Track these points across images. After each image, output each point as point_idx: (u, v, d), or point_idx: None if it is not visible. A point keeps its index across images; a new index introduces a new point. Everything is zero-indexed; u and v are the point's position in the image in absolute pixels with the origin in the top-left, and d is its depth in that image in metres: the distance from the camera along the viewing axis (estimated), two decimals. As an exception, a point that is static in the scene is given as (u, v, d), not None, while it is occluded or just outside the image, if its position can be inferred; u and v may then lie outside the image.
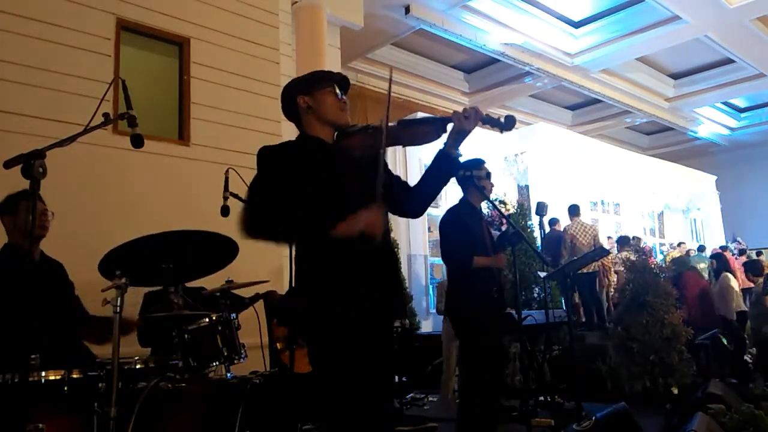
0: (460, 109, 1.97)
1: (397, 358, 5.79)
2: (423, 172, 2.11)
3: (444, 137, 2.01)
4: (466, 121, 1.92)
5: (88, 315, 2.99)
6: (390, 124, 1.91)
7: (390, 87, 1.98)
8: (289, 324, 2.00)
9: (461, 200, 3.75)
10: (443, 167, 2.02)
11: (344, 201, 1.84)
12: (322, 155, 1.93)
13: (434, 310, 8.34)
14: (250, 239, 1.86)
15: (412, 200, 2.10)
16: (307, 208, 1.83)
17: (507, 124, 1.96)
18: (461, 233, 3.56)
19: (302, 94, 1.99)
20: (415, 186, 2.09)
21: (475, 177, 3.56)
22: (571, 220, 7.89)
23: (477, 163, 3.64)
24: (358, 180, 1.88)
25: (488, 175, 3.70)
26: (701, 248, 12.30)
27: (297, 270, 1.94)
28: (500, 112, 12.87)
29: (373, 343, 1.85)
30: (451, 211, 3.78)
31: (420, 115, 9.65)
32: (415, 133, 1.99)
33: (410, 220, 9.08)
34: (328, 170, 1.89)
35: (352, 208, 1.80)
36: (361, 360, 1.80)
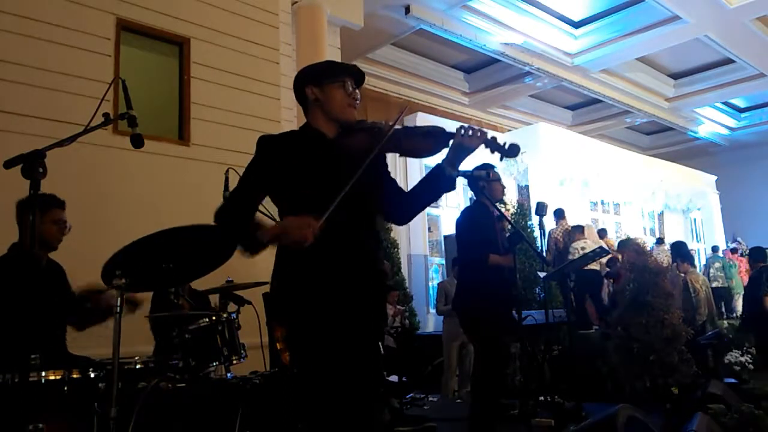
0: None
1: (397, 358, 5.80)
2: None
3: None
4: (468, 139, 1.87)
5: (75, 298, 2.97)
6: (396, 127, 1.88)
7: (399, 116, 1.93)
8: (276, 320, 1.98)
9: (475, 201, 3.95)
10: (435, 184, 1.98)
11: (313, 200, 1.80)
12: (316, 149, 1.90)
13: (434, 311, 8.34)
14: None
15: (400, 208, 2.07)
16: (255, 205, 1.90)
17: (510, 152, 1.91)
18: (476, 232, 3.70)
19: (312, 85, 1.96)
20: (405, 194, 2.05)
21: (479, 179, 3.62)
22: (557, 223, 7.92)
23: (480, 167, 3.74)
24: (342, 179, 1.78)
25: (488, 176, 3.73)
26: (715, 248, 12.31)
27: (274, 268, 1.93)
28: (500, 112, 12.94)
29: (343, 346, 1.79)
30: (465, 212, 4.00)
31: (420, 116, 9.69)
32: (416, 145, 1.94)
33: (410, 219, 9.11)
34: (316, 166, 1.86)
35: (316, 208, 1.77)
36: (329, 361, 1.77)
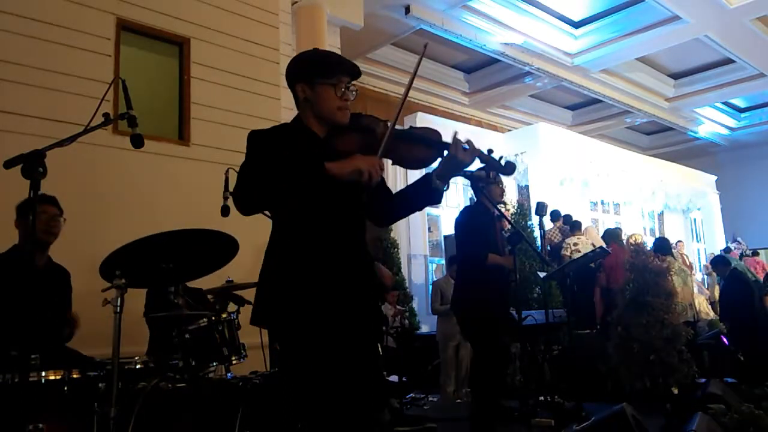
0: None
1: (397, 358, 5.79)
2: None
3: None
4: (463, 152, 1.79)
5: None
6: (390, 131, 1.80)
7: (408, 88, 1.83)
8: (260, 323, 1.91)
9: (475, 202, 3.98)
10: (420, 194, 1.91)
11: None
12: (308, 148, 1.84)
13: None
14: (249, 213, 1.73)
15: (382, 212, 2.02)
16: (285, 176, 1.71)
17: (506, 169, 1.88)
18: (475, 232, 3.72)
19: (303, 83, 1.87)
20: (390, 198, 1.99)
21: (479, 180, 3.62)
22: (572, 233, 7.95)
23: (481, 168, 3.73)
24: (341, 187, 1.74)
25: (488, 176, 3.73)
26: (726, 250, 12.25)
27: (264, 263, 1.86)
28: (500, 112, 12.93)
29: (338, 347, 1.77)
30: (464, 212, 4.08)
31: (420, 116, 9.69)
32: (410, 152, 1.87)
33: (410, 219, 9.10)
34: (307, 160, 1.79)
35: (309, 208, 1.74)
36: (324, 363, 1.75)
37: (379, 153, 1.75)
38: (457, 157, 1.80)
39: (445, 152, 1.84)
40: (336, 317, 1.78)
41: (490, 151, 1.88)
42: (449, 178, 1.87)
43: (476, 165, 1.91)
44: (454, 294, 4.01)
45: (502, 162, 1.89)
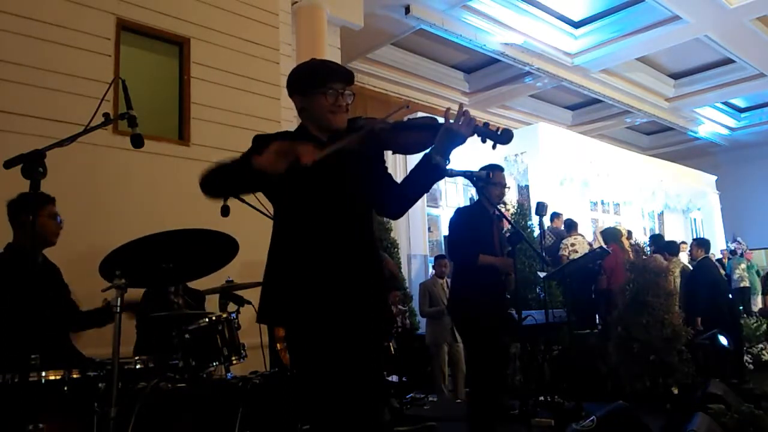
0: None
1: (397, 358, 5.79)
2: None
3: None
4: (457, 125, 1.82)
5: (81, 313, 3.00)
6: (383, 124, 1.88)
7: (396, 110, 1.91)
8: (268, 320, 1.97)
9: (475, 202, 3.96)
10: (423, 174, 1.94)
11: (311, 201, 1.84)
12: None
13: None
14: (206, 192, 1.94)
15: (393, 202, 2.06)
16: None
17: (503, 138, 1.87)
18: (468, 232, 3.66)
19: (298, 95, 1.95)
20: (397, 187, 2.03)
21: (479, 180, 3.59)
22: (569, 234, 7.95)
23: (484, 168, 3.71)
24: (337, 180, 1.84)
25: (488, 176, 3.70)
26: (733, 251, 12.24)
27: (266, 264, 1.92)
28: (500, 112, 12.93)
29: (342, 345, 1.79)
30: (460, 211, 3.94)
31: (420, 115, 9.69)
32: (407, 139, 1.92)
33: (410, 219, 9.10)
34: (311, 167, 1.82)
35: (316, 208, 1.80)
36: (329, 361, 1.77)
37: (365, 134, 1.81)
38: (452, 129, 1.83)
39: None
40: (334, 315, 1.78)
41: (486, 124, 1.90)
42: (449, 152, 1.89)
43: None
44: (450, 295, 3.98)
45: (498, 131, 1.89)
